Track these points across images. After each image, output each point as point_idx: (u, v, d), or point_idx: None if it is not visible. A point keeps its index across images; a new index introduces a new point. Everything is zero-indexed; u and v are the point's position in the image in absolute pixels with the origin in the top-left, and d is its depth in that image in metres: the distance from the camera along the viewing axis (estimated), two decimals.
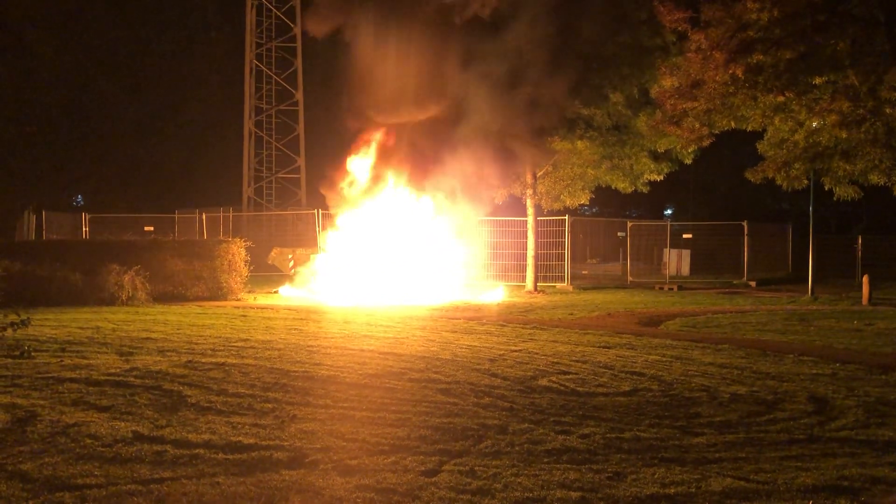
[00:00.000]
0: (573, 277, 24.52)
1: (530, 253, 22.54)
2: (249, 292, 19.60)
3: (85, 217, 28.67)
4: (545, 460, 5.53)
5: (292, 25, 36.15)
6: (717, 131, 19.48)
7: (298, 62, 36.25)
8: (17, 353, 8.11)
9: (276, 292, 20.34)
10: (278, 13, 35.98)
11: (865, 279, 19.30)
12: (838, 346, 11.41)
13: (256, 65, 36.34)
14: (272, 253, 27.30)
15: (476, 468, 5.31)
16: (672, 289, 23.61)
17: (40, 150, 37.12)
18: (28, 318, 7.85)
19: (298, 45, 36.22)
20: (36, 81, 36.88)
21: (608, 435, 6.17)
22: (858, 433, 6.40)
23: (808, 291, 20.76)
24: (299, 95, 36.26)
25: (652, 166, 22.51)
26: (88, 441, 5.74)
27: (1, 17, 35.94)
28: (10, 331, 7.61)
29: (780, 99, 17.13)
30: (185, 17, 42.31)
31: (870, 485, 5.13)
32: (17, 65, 36.00)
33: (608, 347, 10.88)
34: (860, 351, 10.99)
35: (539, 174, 22.56)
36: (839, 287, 23.58)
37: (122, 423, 6.20)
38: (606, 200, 36.83)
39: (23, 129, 36.33)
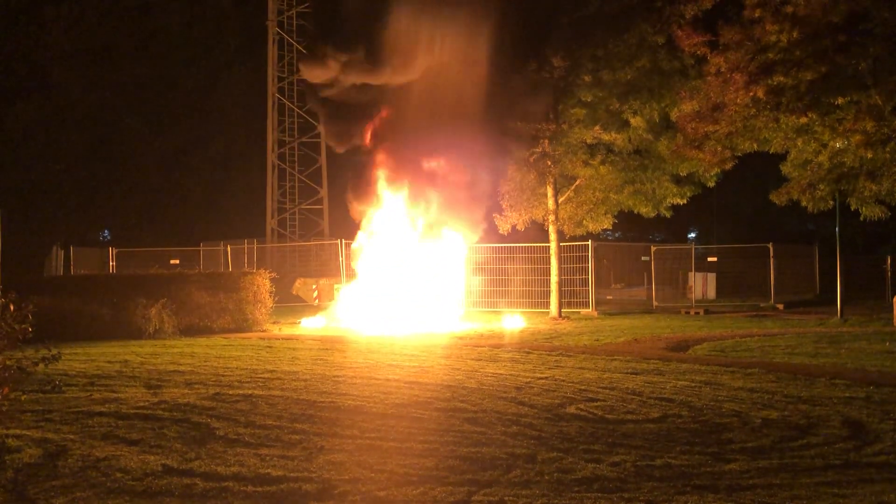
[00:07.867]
0: (598, 303, 24.34)
1: (554, 279, 22.43)
2: (274, 323, 19.68)
3: (112, 252, 29.01)
4: (575, 489, 5.47)
5: None
6: (739, 154, 19.40)
7: None
8: (48, 387, 8.17)
9: (298, 323, 20.40)
10: (299, 47, 36.46)
11: None
12: (871, 369, 11.21)
13: (278, 98, 36.78)
14: (296, 284, 27.46)
15: (506, 498, 5.26)
16: (698, 313, 23.36)
17: (68, 187, 37.76)
18: (58, 352, 7.90)
19: None
20: (63, 120, 37.63)
21: (639, 463, 6.09)
22: None
23: (837, 313, 20.44)
24: (321, 127, 36.58)
25: (674, 190, 22.41)
26: (118, 475, 5.77)
27: (29, 57, 36.83)
28: (41, 366, 7.68)
29: (803, 120, 17.04)
30: (208, 52, 42.99)
31: None
32: (45, 104, 36.80)
33: (636, 373, 10.77)
34: (894, 373, 10.79)
35: (561, 200, 22.54)
36: (869, 308, 23.19)
37: (152, 457, 6.23)
38: (629, 225, 36.64)
39: (51, 166, 37.02)
